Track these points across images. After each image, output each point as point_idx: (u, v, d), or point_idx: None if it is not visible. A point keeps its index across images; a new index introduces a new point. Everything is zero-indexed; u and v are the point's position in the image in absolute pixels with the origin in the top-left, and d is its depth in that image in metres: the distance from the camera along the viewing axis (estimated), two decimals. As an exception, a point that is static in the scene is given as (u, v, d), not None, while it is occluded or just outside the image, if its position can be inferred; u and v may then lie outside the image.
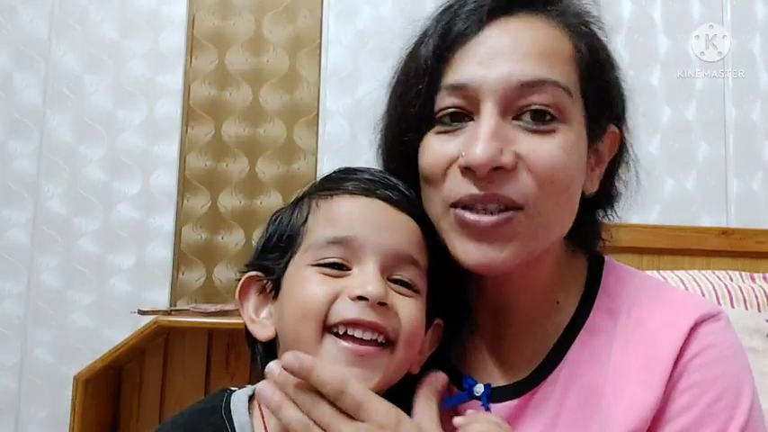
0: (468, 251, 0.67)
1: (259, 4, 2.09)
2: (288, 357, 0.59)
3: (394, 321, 0.65)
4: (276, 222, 0.74)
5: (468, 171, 0.66)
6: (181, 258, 2.01)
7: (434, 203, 0.70)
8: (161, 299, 1.98)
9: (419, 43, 0.72)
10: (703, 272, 1.65)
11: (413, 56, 0.73)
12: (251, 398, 0.69)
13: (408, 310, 0.67)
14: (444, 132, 0.69)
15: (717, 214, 2.02)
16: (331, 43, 2.08)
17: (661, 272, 1.63)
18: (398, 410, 0.61)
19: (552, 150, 0.66)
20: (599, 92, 0.71)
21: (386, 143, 0.78)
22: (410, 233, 0.69)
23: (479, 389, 0.73)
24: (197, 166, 2.04)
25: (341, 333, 0.64)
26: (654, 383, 0.67)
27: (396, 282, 0.67)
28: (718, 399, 0.66)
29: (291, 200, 0.76)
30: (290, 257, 0.70)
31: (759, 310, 1.52)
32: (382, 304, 0.64)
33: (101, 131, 2.03)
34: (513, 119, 0.66)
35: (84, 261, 1.98)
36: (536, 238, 0.68)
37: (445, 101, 0.68)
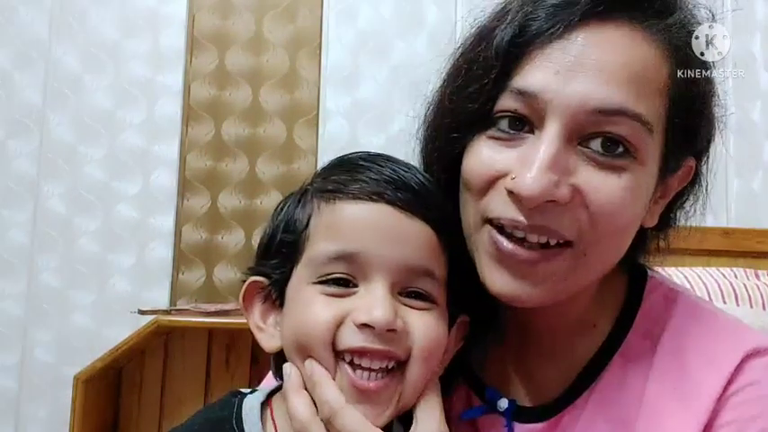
0: (497, 281, 0.61)
1: (259, 3, 2.09)
2: (306, 364, 0.58)
3: (405, 343, 0.59)
4: (279, 219, 0.67)
5: (515, 195, 0.58)
6: (181, 258, 2.01)
7: (469, 213, 0.63)
8: (161, 299, 1.98)
9: (494, 27, 0.62)
10: (707, 269, 1.64)
11: (483, 39, 0.63)
12: (263, 404, 0.65)
13: (423, 325, 0.60)
14: (498, 139, 0.61)
15: (717, 214, 2.02)
16: (331, 43, 2.08)
17: (664, 269, 1.62)
18: None
19: (617, 192, 0.58)
20: (686, 128, 0.62)
21: (430, 138, 0.69)
22: (424, 242, 0.62)
23: (503, 404, 0.68)
24: (197, 166, 2.04)
25: (347, 361, 0.59)
26: (694, 419, 0.61)
27: (410, 295, 0.61)
28: None
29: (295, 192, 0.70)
30: (293, 265, 0.64)
31: (764, 308, 1.51)
32: (391, 330, 0.58)
33: (101, 131, 2.03)
34: (580, 144, 0.58)
35: (84, 261, 1.98)
36: (577, 277, 0.61)
37: (508, 103, 0.60)
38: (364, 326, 0.58)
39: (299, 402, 0.59)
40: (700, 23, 0.65)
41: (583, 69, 0.57)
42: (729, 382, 0.61)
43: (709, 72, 0.65)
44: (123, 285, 1.98)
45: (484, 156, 0.61)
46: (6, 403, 1.94)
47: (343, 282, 0.60)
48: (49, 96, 2.03)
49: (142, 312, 1.73)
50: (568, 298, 0.63)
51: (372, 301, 0.58)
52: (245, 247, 2.00)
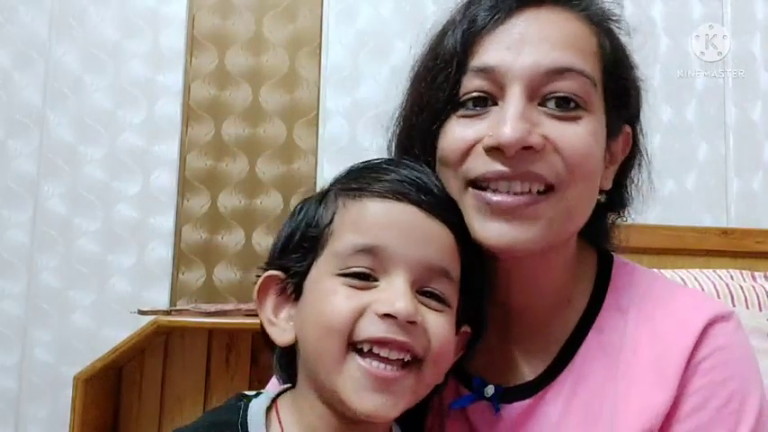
0: (490, 230, 0.66)
1: (259, 3, 2.09)
2: None
3: (423, 339, 0.61)
4: (299, 218, 0.69)
5: (494, 151, 0.65)
6: (181, 258, 2.01)
7: (450, 183, 0.69)
8: (161, 299, 1.98)
9: (445, 32, 0.73)
10: (704, 270, 1.65)
11: (439, 43, 0.73)
12: (268, 408, 0.66)
13: (438, 326, 0.62)
14: (467, 117, 0.68)
15: (717, 214, 2.02)
16: (331, 43, 2.08)
17: (662, 270, 1.62)
18: None
19: (581, 136, 0.66)
20: (618, 89, 0.71)
21: (406, 130, 0.76)
22: (443, 243, 0.65)
23: (490, 390, 0.72)
24: (197, 165, 2.04)
25: (365, 351, 0.60)
26: (666, 385, 0.66)
27: (426, 294, 0.63)
28: (727, 402, 0.66)
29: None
30: (314, 259, 0.65)
31: (760, 309, 1.52)
32: (411, 322, 0.60)
33: (101, 131, 2.03)
34: (539, 105, 0.67)
35: (84, 261, 1.98)
36: (560, 222, 0.67)
37: (471, 83, 0.68)
38: (386, 316, 0.59)
39: None
40: (608, 5, 0.75)
41: (529, 42, 0.67)
42: (696, 346, 0.67)
43: (626, 40, 0.75)
44: (123, 285, 1.98)
45: (457, 132, 0.68)
46: (6, 403, 1.94)
47: (364, 276, 0.62)
48: (49, 96, 2.03)
49: (142, 312, 1.73)
50: (546, 263, 0.70)
51: (395, 294, 0.60)
52: (245, 247, 1.99)
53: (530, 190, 0.65)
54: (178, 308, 1.88)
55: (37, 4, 2.05)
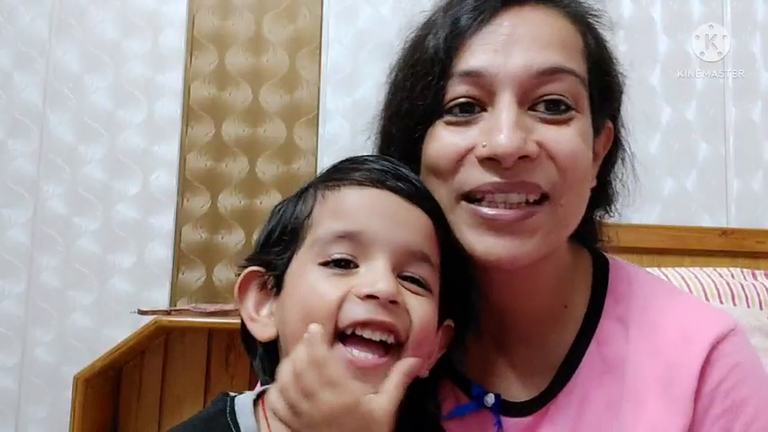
0: (486, 245, 0.64)
1: (259, 4, 2.09)
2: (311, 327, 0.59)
3: (405, 321, 0.61)
4: (279, 214, 0.69)
5: (490, 161, 0.63)
6: (181, 258, 2.01)
7: (441, 195, 0.67)
8: (161, 299, 1.98)
9: (425, 34, 0.70)
10: (704, 269, 1.64)
11: (419, 47, 0.70)
12: (255, 402, 0.66)
13: (420, 309, 0.62)
14: (455, 124, 0.66)
15: (717, 214, 2.02)
16: (331, 43, 2.08)
17: (662, 269, 1.62)
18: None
19: (572, 140, 0.65)
20: (603, 86, 0.70)
21: (387, 138, 0.74)
22: (423, 228, 0.65)
23: (490, 399, 0.70)
24: (197, 166, 2.04)
25: (348, 334, 0.60)
26: (678, 407, 0.64)
27: (407, 279, 0.63)
28: (753, 419, 0.65)
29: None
30: (294, 252, 0.65)
31: (761, 308, 1.52)
32: (393, 302, 0.60)
33: (101, 131, 2.03)
34: (529, 109, 0.65)
35: (84, 261, 1.98)
36: (557, 230, 0.66)
37: (457, 89, 0.65)
38: (368, 297, 0.59)
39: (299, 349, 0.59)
40: (589, 1, 0.73)
41: (517, 43, 0.65)
42: (706, 365, 0.65)
43: (607, 36, 0.73)
44: (123, 285, 1.98)
45: (445, 139, 0.66)
46: (6, 403, 1.94)
47: (345, 263, 0.62)
48: (49, 96, 2.03)
49: (142, 312, 1.73)
50: (539, 268, 0.68)
51: (375, 275, 0.60)
52: (245, 248, 1.99)
53: (525, 200, 0.64)
54: (178, 308, 1.88)
55: (37, 4, 2.05)
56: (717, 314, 0.70)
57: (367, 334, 0.60)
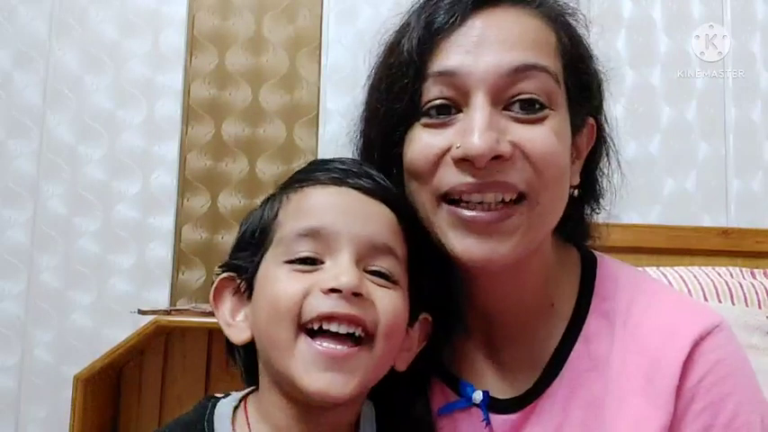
0: (468, 247, 0.65)
1: (259, 4, 2.09)
2: None
3: (371, 313, 0.62)
4: (249, 220, 0.71)
5: (464, 162, 0.64)
6: (181, 258, 2.01)
7: (422, 198, 0.68)
8: (161, 299, 1.98)
9: (400, 37, 0.71)
10: (703, 268, 1.64)
11: (394, 50, 0.72)
12: (236, 408, 0.67)
13: (387, 301, 0.63)
14: (432, 126, 0.67)
15: (717, 214, 2.02)
16: (331, 43, 2.08)
17: (661, 269, 1.62)
18: None
19: (546, 137, 0.65)
20: (580, 83, 0.70)
21: (367, 141, 0.76)
22: (385, 221, 0.66)
23: (478, 396, 0.71)
24: (197, 166, 2.04)
25: (315, 329, 0.61)
26: (660, 401, 0.65)
27: (372, 273, 0.64)
28: (734, 416, 0.65)
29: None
30: (263, 255, 0.67)
31: (760, 307, 1.52)
32: (357, 295, 0.61)
33: (101, 131, 2.03)
34: (503, 109, 0.65)
35: (84, 261, 1.98)
36: (536, 229, 0.66)
37: (432, 91, 0.67)
38: (331, 291, 0.61)
39: None
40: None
41: (488, 44, 0.65)
42: (689, 361, 0.65)
43: (583, 33, 0.73)
44: (123, 285, 1.98)
45: (423, 141, 0.67)
46: (6, 403, 1.94)
47: (310, 261, 0.63)
48: (49, 96, 2.03)
49: (142, 312, 1.73)
50: (523, 266, 0.68)
51: (339, 269, 0.62)
52: (245, 247, 1.99)
53: (502, 200, 0.65)
54: (178, 308, 1.88)
55: (37, 4, 2.05)
56: (701, 311, 0.71)
57: (334, 327, 0.61)
